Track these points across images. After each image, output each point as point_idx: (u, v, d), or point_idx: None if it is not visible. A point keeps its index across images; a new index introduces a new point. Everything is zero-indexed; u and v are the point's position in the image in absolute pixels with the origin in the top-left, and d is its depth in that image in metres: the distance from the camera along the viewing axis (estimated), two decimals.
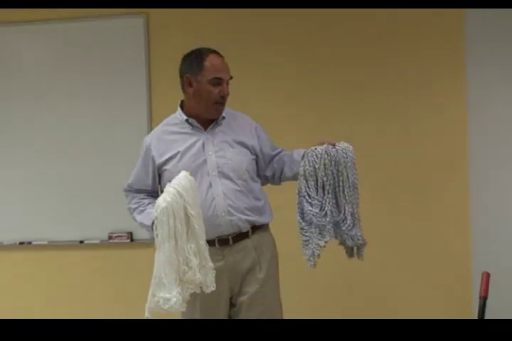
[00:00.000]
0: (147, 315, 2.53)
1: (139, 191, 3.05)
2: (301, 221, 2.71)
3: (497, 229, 3.85)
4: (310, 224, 2.68)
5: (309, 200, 2.69)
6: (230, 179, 2.91)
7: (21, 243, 4.31)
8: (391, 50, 4.02)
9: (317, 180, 2.69)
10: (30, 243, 4.30)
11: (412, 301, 3.98)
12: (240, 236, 2.92)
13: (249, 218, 2.94)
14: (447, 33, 3.97)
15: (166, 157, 2.95)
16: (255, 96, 4.10)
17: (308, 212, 2.67)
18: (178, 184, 2.58)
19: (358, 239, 2.71)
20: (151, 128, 4.12)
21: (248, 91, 4.04)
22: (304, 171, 2.70)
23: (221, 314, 2.95)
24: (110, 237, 4.22)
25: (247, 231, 2.94)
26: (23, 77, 4.33)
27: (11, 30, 4.33)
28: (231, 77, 2.93)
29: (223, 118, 2.99)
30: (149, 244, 4.18)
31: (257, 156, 3.02)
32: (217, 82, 2.89)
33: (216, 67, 2.88)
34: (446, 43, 3.97)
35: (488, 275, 2.77)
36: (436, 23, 3.98)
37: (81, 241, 4.27)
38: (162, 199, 2.56)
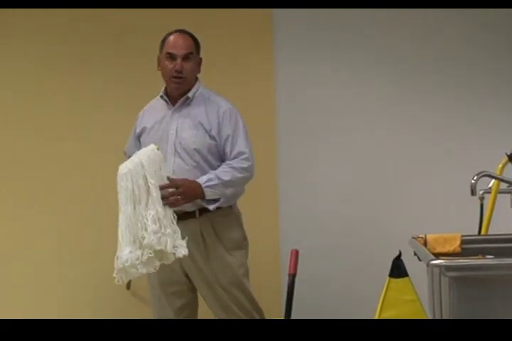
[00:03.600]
0: (115, 276, 2.62)
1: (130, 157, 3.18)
2: None
3: (304, 211, 4.08)
4: None
5: None
6: (182, 158, 3.06)
7: None
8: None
9: None
10: None
11: None
12: (186, 216, 2.93)
13: None
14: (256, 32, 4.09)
15: (140, 128, 3.19)
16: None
17: None
18: (142, 154, 2.77)
19: None
20: None
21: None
22: None
23: (176, 287, 3.09)
24: None
25: (194, 212, 2.99)
26: None
27: None
28: (190, 53, 3.04)
29: (188, 98, 3.05)
30: None
31: (217, 141, 3.09)
32: (171, 56, 3.04)
33: (172, 43, 3.07)
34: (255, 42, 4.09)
35: (296, 252, 2.94)
36: (244, 22, 4.06)
37: None
38: (124, 166, 2.71)
